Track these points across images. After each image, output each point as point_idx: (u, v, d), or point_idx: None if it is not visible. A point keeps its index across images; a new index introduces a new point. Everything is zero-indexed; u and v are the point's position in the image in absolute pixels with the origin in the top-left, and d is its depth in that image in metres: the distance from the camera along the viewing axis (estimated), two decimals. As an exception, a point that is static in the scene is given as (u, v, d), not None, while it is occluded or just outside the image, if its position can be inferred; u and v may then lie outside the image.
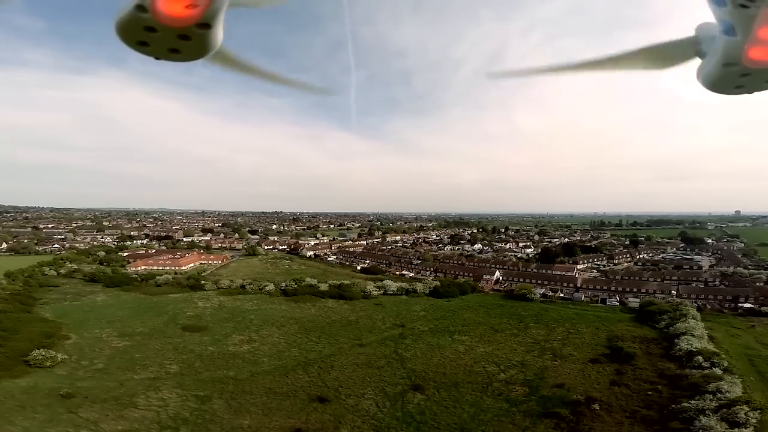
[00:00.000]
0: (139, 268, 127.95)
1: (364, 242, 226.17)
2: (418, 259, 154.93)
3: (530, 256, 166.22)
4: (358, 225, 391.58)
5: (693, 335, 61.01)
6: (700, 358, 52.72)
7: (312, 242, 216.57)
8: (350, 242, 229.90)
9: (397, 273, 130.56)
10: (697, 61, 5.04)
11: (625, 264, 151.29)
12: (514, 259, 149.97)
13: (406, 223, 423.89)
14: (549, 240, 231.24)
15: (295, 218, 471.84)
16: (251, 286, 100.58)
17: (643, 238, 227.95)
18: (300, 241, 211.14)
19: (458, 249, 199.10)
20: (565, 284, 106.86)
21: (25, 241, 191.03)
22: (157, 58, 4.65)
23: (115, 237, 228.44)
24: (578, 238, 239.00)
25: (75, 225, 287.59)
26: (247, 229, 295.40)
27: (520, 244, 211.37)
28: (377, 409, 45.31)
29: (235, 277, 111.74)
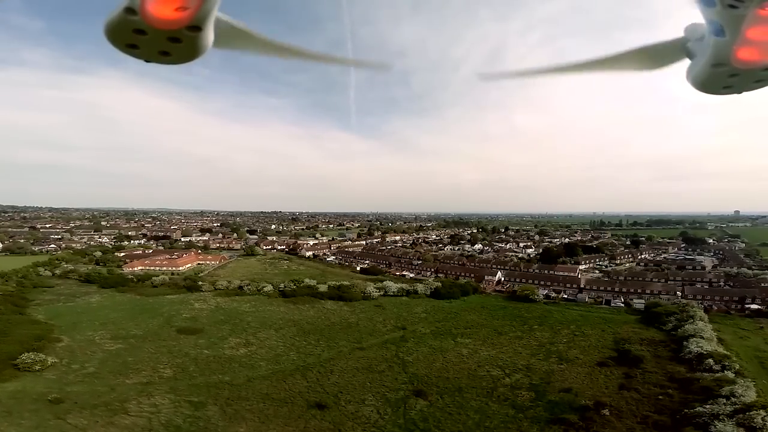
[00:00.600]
0: (135, 269, 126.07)
1: (364, 242, 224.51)
2: (419, 259, 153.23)
3: (531, 256, 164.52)
4: (357, 225, 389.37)
5: (702, 337, 59.60)
6: (710, 361, 51.32)
7: (311, 242, 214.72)
8: (349, 242, 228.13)
9: (397, 273, 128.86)
10: (686, 62, 5.02)
11: (627, 264, 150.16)
12: (516, 260, 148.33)
13: (405, 223, 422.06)
14: (549, 240, 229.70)
15: (294, 218, 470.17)
16: (249, 287, 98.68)
17: (644, 238, 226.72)
18: (299, 241, 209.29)
19: (458, 249, 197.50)
20: (568, 285, 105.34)
21: (22, 241, 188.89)
22: (147, 61, 4.56)
23: (112, 237, 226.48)
24: (579, 238, 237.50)
25: (72, 225, 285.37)
26: (246, 229, 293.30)
27: (521, 245, 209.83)
28: (378, 416, 43.58)
29: (233, 277, 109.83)
